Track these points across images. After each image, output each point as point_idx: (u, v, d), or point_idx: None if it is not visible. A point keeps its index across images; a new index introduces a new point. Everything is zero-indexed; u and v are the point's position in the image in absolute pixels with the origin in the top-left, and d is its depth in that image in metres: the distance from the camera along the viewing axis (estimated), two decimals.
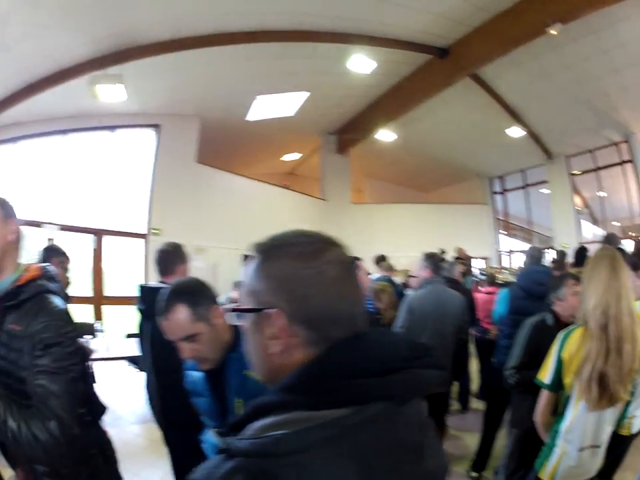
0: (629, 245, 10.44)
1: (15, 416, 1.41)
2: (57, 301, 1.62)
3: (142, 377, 5.61)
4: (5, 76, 6.55)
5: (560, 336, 2.21)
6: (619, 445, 2.53)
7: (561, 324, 2.74)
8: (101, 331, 6.03)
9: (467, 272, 11.50)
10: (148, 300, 2.81)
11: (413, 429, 0.79)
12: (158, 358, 2.79)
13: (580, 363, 2.06)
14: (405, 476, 0.76)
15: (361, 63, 8.41)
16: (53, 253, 3.61)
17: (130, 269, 10.07)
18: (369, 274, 6.60)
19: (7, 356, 1.55)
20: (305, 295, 0.79)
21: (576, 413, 2.13)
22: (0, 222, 1.56)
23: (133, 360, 5.80)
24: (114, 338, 6.96)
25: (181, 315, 1.71)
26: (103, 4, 5.92)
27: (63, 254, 3.67)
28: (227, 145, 12.37)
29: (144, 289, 3.02)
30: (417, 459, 0.78)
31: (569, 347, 2.13)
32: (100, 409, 3.33)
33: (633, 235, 13.54)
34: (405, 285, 7.56)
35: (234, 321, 0.91)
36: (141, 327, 3.15)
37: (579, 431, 2.13)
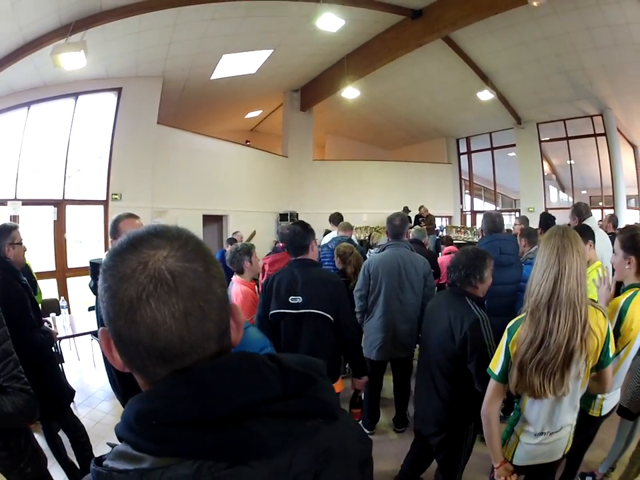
0: (597, 215, 10.68)
1: None
2: None
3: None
4: None
5: (508, 326, 2.04)
6: (590, 426, 2.54)
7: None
8: (65, 307, 5.84)
9: (430, 231, 11.61)
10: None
11: None
12: None
13: None
14: None
15: (330, 21, 8.19)
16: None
17: (93, 238, 9.91)
18: (328, 232, 6.42)
19: None
20: (108, 316, 0.68)
21: (527, 399, 2.05)
22: None
23: (96, 334, 5.61)
24: (79, 312, 6.80)
25: None
26: None
27: (10, 229, 3.13)
28: (191, 105, 12.15)
29: (93, 265, 2.75)
30: None
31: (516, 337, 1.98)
32: (69, 393, 3.19)
33: (601, 204, 14.01)
34: (365, 244, 7.43)
35: None
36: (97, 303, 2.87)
37: (533, 417, 2.06)
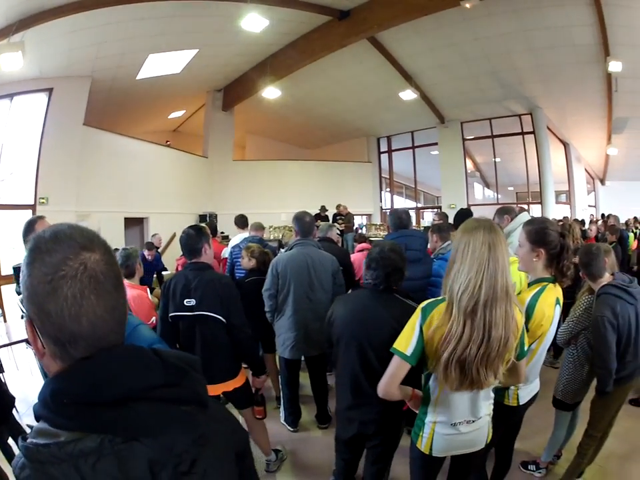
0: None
1: None
2: None
3: None
4: None
5: (422, 305, 2.01)
6: (510, 416, 2.53)
7: None
8: (0, 315, 5.75)
9: (349, 229, 11.96)
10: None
11: (135, 470, 0.74)
12: None
13: (440, 343, 1.89)
14: None
15: (254, 22, 8.25)
16: None
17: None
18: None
19: None
20: (45, 310, 0.76)
21: (442, 388, 2.00)
22: None
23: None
24: (15, 320, 6.63)
25: None
26: None
27: None
28: (117, 106, 11.91)
29: (19, 271, 2.72)
30: None
31: (432, 321, 1.93)
32: (9, 401, 3.19)
33: (528, 200, 14.73)
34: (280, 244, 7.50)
35: None
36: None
37: (448, 406, 2.04)
